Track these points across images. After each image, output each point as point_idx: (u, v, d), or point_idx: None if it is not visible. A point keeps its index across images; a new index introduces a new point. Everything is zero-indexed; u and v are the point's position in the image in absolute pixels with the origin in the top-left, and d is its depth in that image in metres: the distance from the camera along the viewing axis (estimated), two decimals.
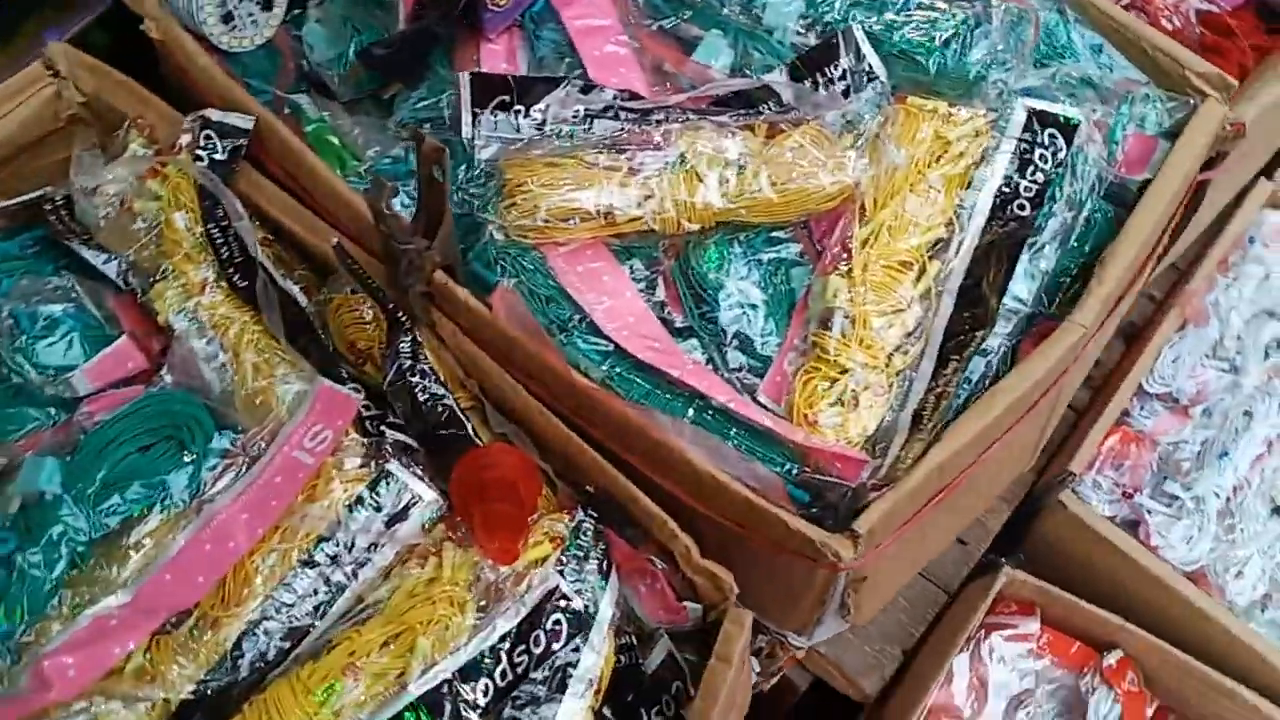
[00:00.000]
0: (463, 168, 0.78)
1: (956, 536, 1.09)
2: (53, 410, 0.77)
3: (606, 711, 0.73)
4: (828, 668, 1.06)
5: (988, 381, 0.77)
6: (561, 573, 0.72)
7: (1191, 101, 0.84)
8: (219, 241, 0.79)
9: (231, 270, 0.80)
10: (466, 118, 0.79)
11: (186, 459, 0.73)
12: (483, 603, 0.71)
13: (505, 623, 0.70)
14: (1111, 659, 1.08)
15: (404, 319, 0.76)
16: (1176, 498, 1.10)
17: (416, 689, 0.68)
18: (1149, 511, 1.10)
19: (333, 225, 0.82)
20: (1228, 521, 1.09)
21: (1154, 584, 1.07)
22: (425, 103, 0.85)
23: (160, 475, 0.72)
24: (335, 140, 0.86)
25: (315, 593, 0.72)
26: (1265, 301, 1.19)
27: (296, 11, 0.92)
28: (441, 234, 0.73)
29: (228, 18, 0.88)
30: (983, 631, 1.09)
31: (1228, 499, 1.10)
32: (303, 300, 0.80)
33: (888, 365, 0.75)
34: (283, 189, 0.84)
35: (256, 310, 0.79)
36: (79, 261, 0.81)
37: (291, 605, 0.71)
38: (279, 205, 0.83)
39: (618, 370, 0.75)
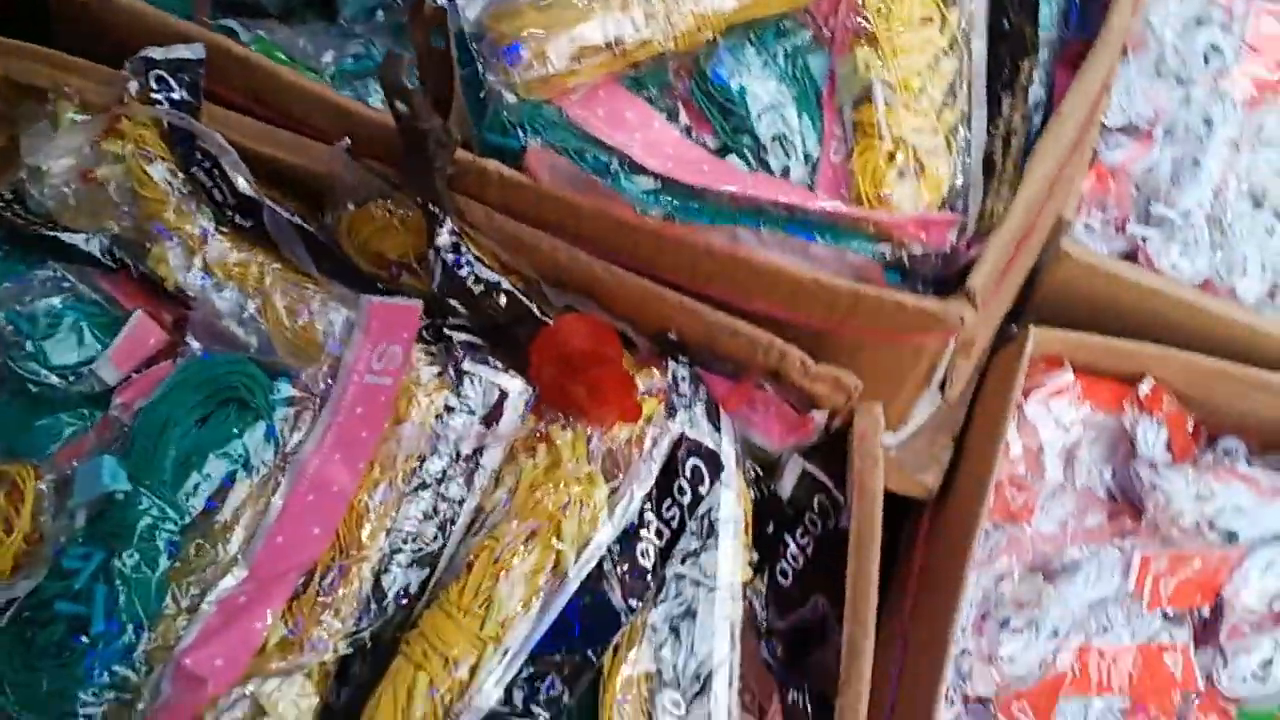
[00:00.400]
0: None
1: None
2: (85, 411, 0.70)
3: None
4: (889, 473, 1.05)
5: (1043, 109, 0.76)
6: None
7: None
8: (207, 185, 0.72)
9: (230, 212, 0.72)
10: None
11: (252, 418, 0.67)
12: (613, 472, 0.68)
13: (643, 484, 0.67)
14: (1145, 388, 1.10)
15: (437, 211, 0.70)
16: (1165, 218, 1.12)
17: (577, 575, 0.65)
18: (1143, 239, 1.11)
19: (317, 139, 0.75)
20: (1219, 227, 1.11)
21: (1167, 302, 1.08)
22: None
23: (231, 440, 0.66)
24: (282, 54, 0.79)
25: (435, 512, 0.67)
26: (1190, 10, 1.20)
27: None
28: (455, 107, 0.68)
29: None
30: (1023, 396, 1.10)
31: (1211, 205, 1.12)
32: (306, 225, 0.74)
33: (940, 122, 0.72)
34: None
35: (271, 246, 0.73)
36: (55, 248, 0.73)
37: (415, 532, 0.66)
38: (252, 135, 0.76)
39: (675, 202, 0.71)
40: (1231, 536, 1.06)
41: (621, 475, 0.67)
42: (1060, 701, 1.01)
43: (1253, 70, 1.17)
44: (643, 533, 0.66)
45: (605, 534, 0.65)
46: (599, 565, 0.65)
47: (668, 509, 0.67)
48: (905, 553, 1.20)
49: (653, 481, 0.67)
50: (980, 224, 0.70)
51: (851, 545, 0.67)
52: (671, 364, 0.71)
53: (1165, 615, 1.05)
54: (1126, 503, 1.11)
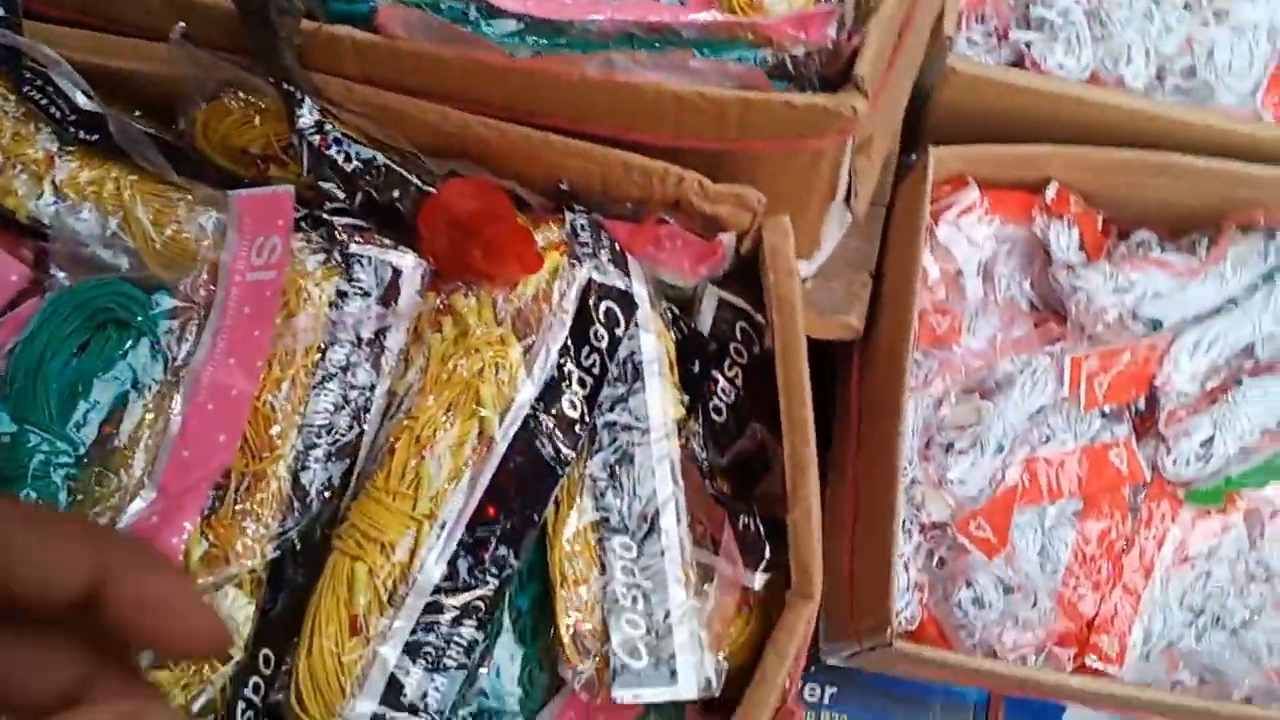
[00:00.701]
0: None
1: None
2: None
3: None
4: (811, 322, 1.03)
5: None
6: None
7: None
8: (43, 103, 0.67)
9: (74, 129, 0.67)
10: None
11: (135, 336, 0.63)
12: (525, 331, 0.65)
13: (557, 336, 0.64)
14: (1051, 192, 1.09)
15: (294, 91, 0.66)
16: (1045, 19, 1.10)
17: (504, 438, 0.62)
18: (1026, 44, 1.10)
19: (154, 40, 0.70)
20: (1098, 19, 1.10)
21: (1059, 101, 1.06)
22: None
23: (115, 363, 0.62)
24: None
25: (346, 402, 0.64)
26: None
27: None
28: None
29: None
30: (932, 221, 1.08)
31: None
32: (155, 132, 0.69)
33: None
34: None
35: (125, 158, 0.68)
36: None
37: (328, 424, 0.63)
38: (84, 47, 0.70)
39: (541, 40, 0.67)
40: (1155, 324, 1.06)
41: (534, 332, 0.65)
42: (1015, 514, 1.01)
43: None
44: (565, 385, 0.63)
45: (527, 392, 0.63)
46: (526, 425, 0.62)
47: (586, 356, 0.64)
48: (843, 396, 1.19)
49: (566, 332, 0.64)
50: (858, 13, 0.68)
51: (778, 359, 0.65)
52: (568, 214, 0.68)
53: (1104, 414, 1.05)
54: (1050, 309, 1.11)
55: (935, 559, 1.04)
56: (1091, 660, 1.02)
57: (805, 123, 0.64)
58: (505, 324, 0.65)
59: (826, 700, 1.10)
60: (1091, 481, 1.03)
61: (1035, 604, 1.01)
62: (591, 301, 0.65)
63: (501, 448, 0.61)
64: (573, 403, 0.63)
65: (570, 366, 0.63)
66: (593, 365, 0.64)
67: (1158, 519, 1.04)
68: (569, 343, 0.64)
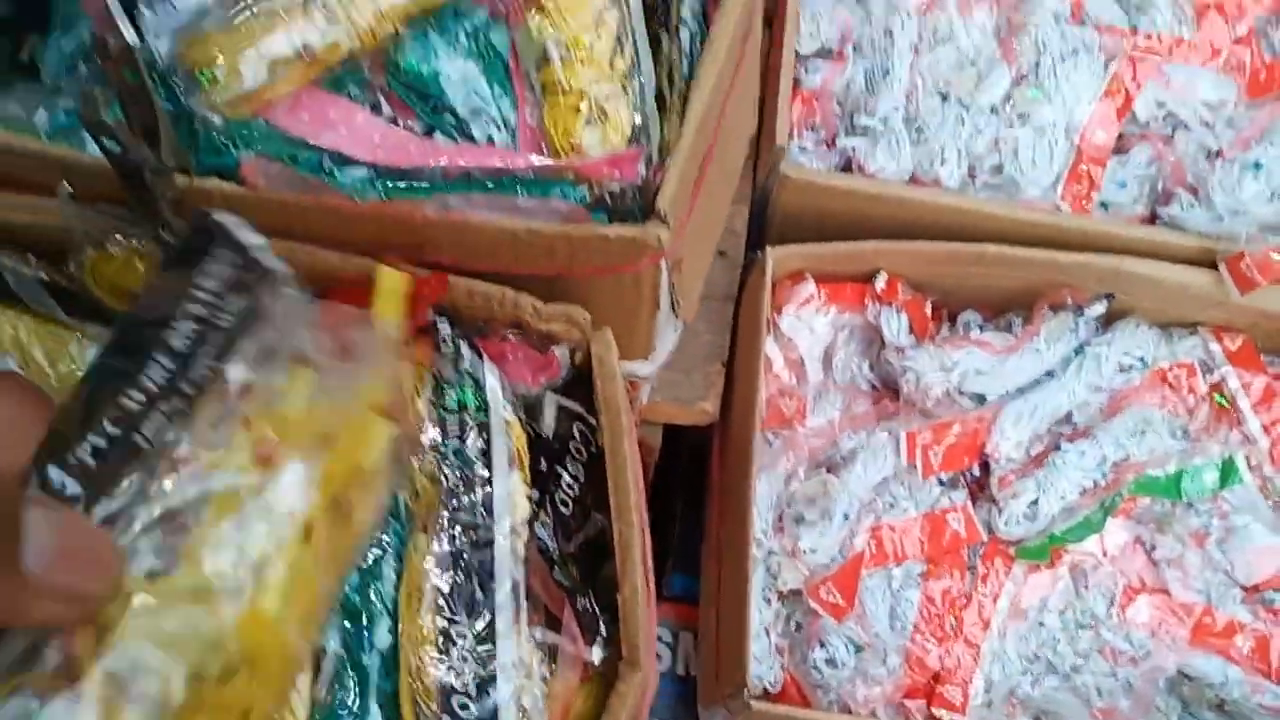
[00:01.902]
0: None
1: (716, 249, 1.18)
2: None
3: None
4: (671, 410, 1.13)
5: (699, 39, 0.84)
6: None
7: None
8: None
9: None
10: (124, 23, 0.76)
11: None
12: None
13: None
14: (880, 282, 1.21)
15: (169, 237, 0.74)
16: (867, 126, 1.23)
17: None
18: (852, 149, 1.22)
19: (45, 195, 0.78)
20: (915, 125, 1.22)
21: (884, 202, 1.19)
22: (65, 38, 0.82)
23: None
24: None
25: None
26: None
27: None
28: (164, 137, 0.72)
29: None
30: (774, 314, 1.19)
31: (905, 107, 1.23)
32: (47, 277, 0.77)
33: (613, 70, 0.80)
34: None
35: (19, 303, 0.76)
36: None
37: None
38: None
39: (388, 184, 0.77)
40: (979, 398, 1.17)
41: None
42: (865, 578, 1.11)
43: None
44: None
45: None
46: None
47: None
48: (708, 475, 1.29)
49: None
50: (662, 151, 0.78)
51: (607, 453, 0.74)
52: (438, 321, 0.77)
53: (941, 481, 1.16)
54: (886, 388, 1.22)
55: (793, 624, 1.13)
56: (938, 710, 1.11)
57: (620, 252, 0.74)
58: None
59: None
60: (933, 544, 1.13)
61: (885, 660, 1.10)
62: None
63: None
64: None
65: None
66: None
67: (994, 576, 1.14)
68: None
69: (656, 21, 0.81)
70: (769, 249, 1.15)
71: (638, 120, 0.79)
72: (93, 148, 0.80)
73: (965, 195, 1.20)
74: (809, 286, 1.20)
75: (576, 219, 0.76)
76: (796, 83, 1.25)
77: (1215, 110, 1.24)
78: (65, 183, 0.74)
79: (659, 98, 0.80)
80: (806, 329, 1.21)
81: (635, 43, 0.81)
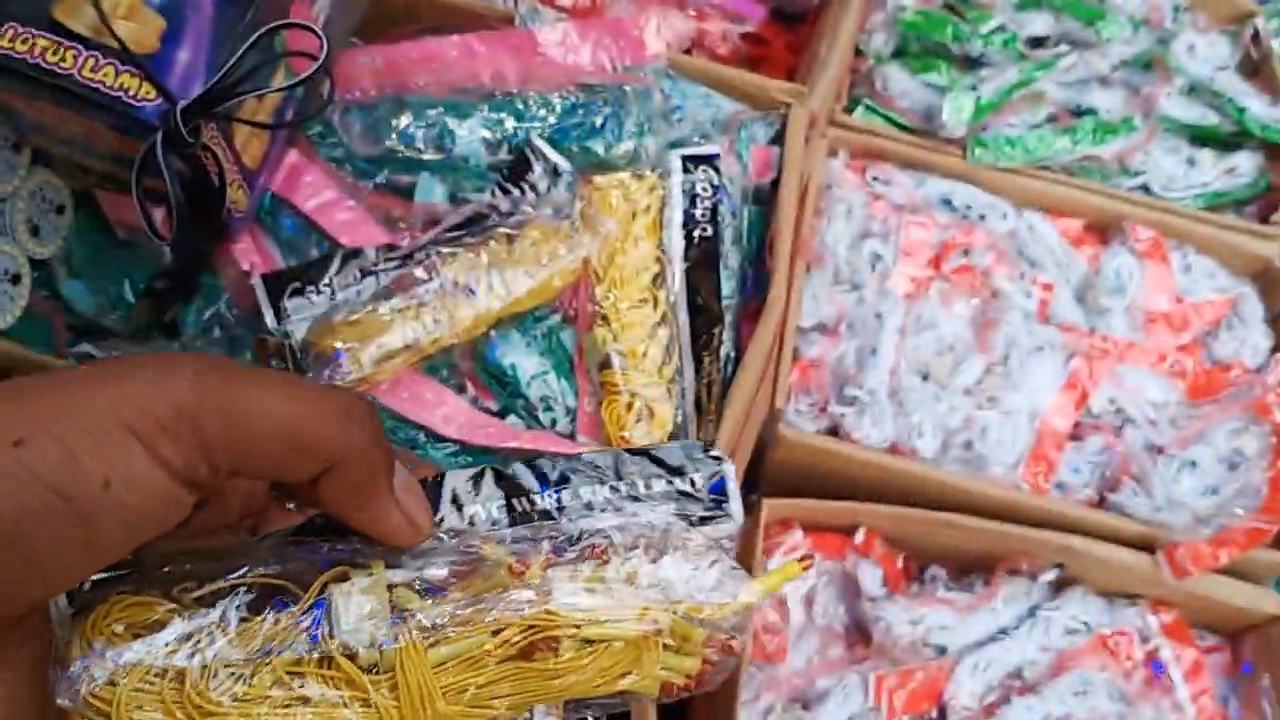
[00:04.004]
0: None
1: None
2: None
3: None
4: None
5: (733, 360, 1.01)
6: None
7: (781, 112, 1.12)
8: None
9: None
10: (269, 312, 0.92)
11: None
12: None
13: None
14: (860, 536, 1.36)
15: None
16: (855, 397, 1.39)
17: None
18: (841, 415, 1.39)
19: None
20: (898, 399, 1.39)
21: (865, 466, 1.35)
22: (208, 312, 0.98)
23: None
24: None
25: None
26: (855, 228, 1.50)
27: (36, 274, 1.00)
28: None
29: None
30: (764, 557, 1.34)
31: (889, 383, 1.40)
32: None
33: (661, 377, 0.96)
34: None
35: None
36: None
37: None
38: None
39: (471, 460, 0.92)
40: (941, 649, 1.31)
41: None
42: None
43: (908, 270, 1.48)
44: None
45: None
46: None
47: None
48: (688, 705, 1.41)
49: None
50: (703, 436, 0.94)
51: None
52: None
53: None
54: (860, 633, 1.36)
55: None
56: None
57: None
58: None
59: None
60: None
61: None
62: None
63: None
64: None
65: None
66: None
67: None
68: None
69: (700, 343, 0.98)
70: (765, 501, 1.30)
71: (679, 420, 0.95)
72: None
73: (938, 467, 1.36)
74: (796, 534, 1.35)
75: None
76: (796, 352, 1.43)
77: (1159, 409, 1.42)
78: None
79: (698, 403, 0.97)
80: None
81: (680, 356, 0.98)
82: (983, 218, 1.55)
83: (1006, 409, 1.40)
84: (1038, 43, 1.68)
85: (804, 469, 1.38)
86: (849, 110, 1.58)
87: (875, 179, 1.55)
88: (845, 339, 1.44)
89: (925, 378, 1.42)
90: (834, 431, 1.39)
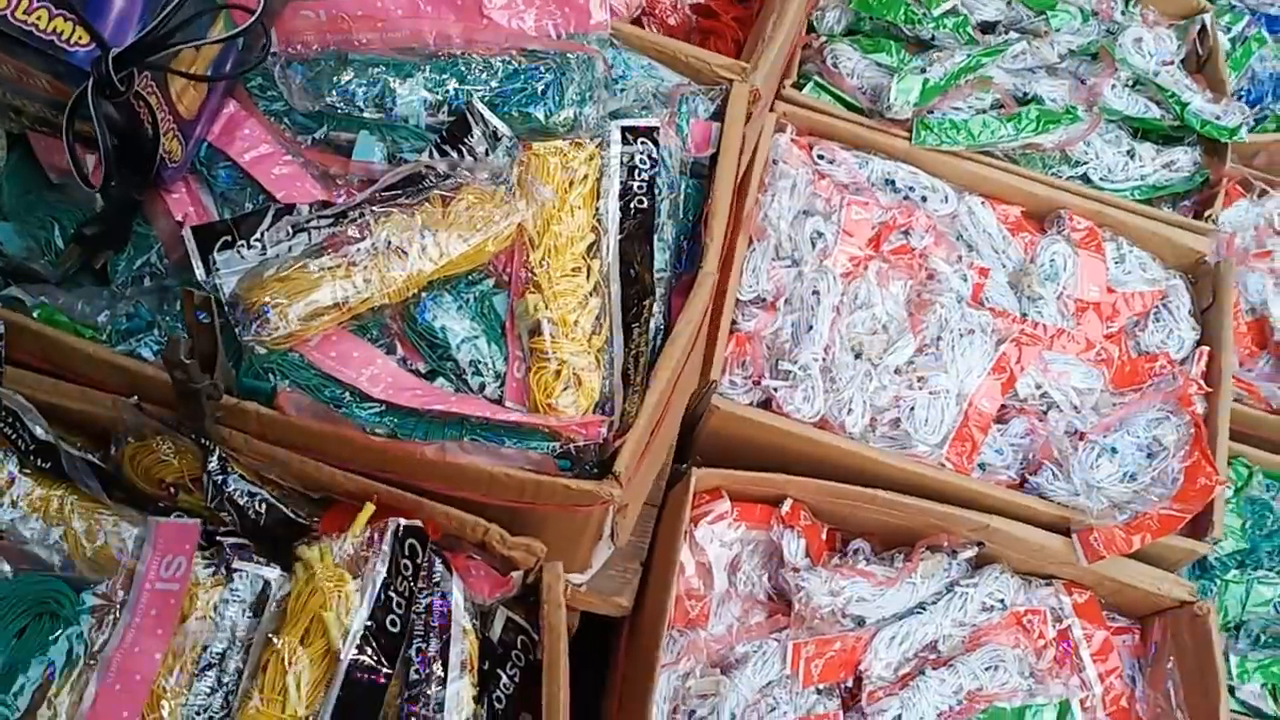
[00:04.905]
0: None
1: None
2: None
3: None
4: (590, 599, 1.28)
5: (662, 332, 1.02)
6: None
7: (723, 87, 1.12)
8: (11, 435, 0.89)
9: (33, 457, 0.89)
10: (199, 264, 0.92)
11: (64, 625, 0.83)
12: (353, 569, 0.87)
13: (378, 571, 0.86)
14: (785, 507, 1.38)
15: (207, 443, 0.89)
16: (789, 371, 1.41)
17: (348, 653, 0.83)
18: (774, 389, 1.40)
19: (100, 389, 0.93)
20: (830, 375, 1.41)
21: (795, 440, 1.37)
22: (139, 261, 0.97)
23: (47, 647, 0.82)
24: (64, 318, 0.96)
25: (220, 685, 0.85)
26: (799, 204, 1.52)
27: None
28: (219, 365, 0.87)
29: None
30: (691, 524, 1.36)
31: (823, 359, 1.42)
32: (96, 460, 0.91)
33: (590, 346, 0.98)
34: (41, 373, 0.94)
35: (69, 482, 0.89)
36: None
37: (204, 705, 0.84)
38: (46, 389, 0.93)
39: (396, 421, 0.93)
40: (860, 620, 1.34)
41: (362, 570, 0.87)
42: None
43: (848, 249, 1.50)
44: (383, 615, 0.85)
45: (361, 617, 0.84)
46: (364, 636, 0.84)
47: (401, 585, 0.87)
48: (612, 661, 1.43)
49: (386, 568, 0.86)
50: (623, 419, 0.95)
51: (545, 669, 0.89)
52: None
53: (818, 690, 1.32)
54: (781, 601, 1.39)
55: None
56: None
57: (577, 499, 0.91)
58: (343, 564, 0.87)
59: None
60: None
61: None
62: (402, 554, 0.88)
63: (344, 665, 0.83)
64: (394, 621, 0.85)
65: (392, 594, 0.86)
66: (400, 603, 0.87)
67: None
68: (385, 579, 0.86)
69: (631, 313, 0.99)
70: (695, 470, 1.32)
71: (606, 389, 0.97)
72: (145, 351, 0.96)
73: (865, 444, 1.38)
74: (724, 504, 1.37)
75: (546, 467, 0.92)
76: (734, 324, 1.44)
77: (1084, 396, 1.45)
78: (135, 396, 0.89)
79: (625, 373, 0.98)
80: (717, 540, 1.37)
81: (611, 326, 0.99)
82: (924, 199, 1.57)
83: (935, 389, 1.42)
84: (989, 28, 1.72)
85: (735, 440, 1.40)
86: (799, 86, 1.60)
87: (821, 157, 1.56)
88: (782, 314, 1.45)
89: (858, 355, 1.44)
90: (766, 404, 1.40)
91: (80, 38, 0.86)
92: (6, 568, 0.86)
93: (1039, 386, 1.45)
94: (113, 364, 0.92)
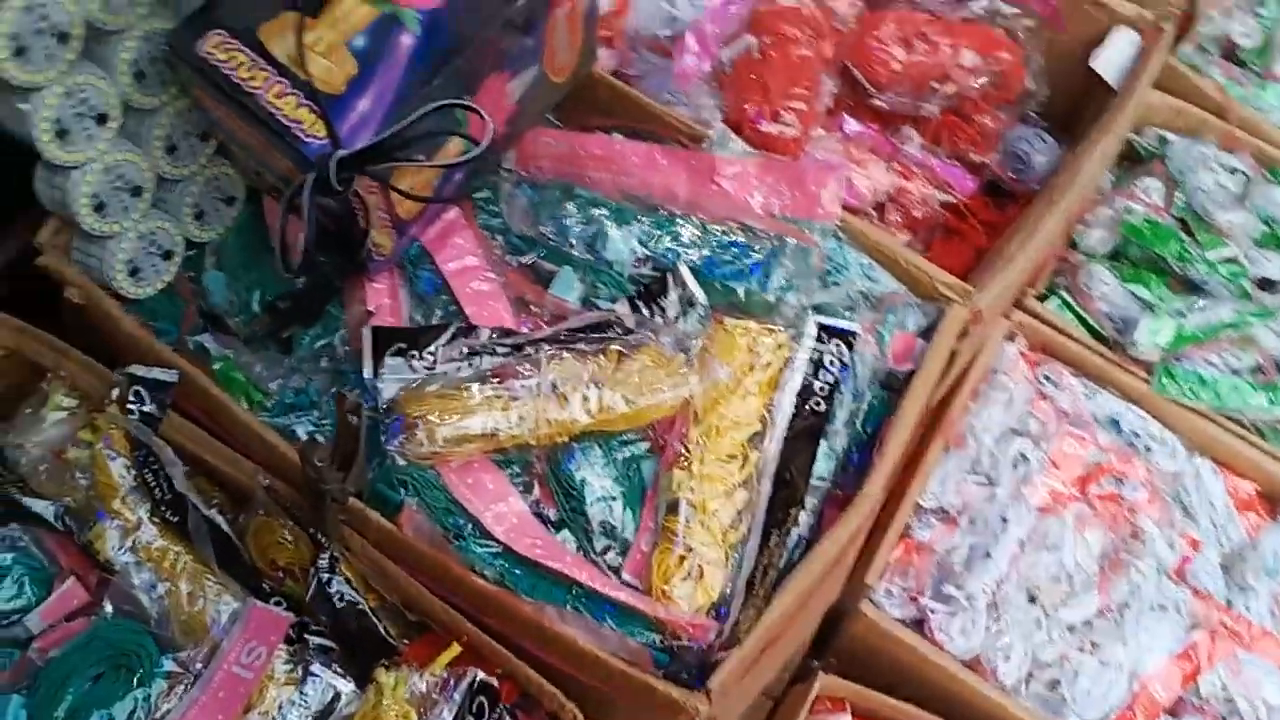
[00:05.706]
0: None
1: None
2: (8, 650, 0.86)
3: None
4: None
5: (804, 545, 0.97)
6: None
7: (940, 306, 1.07)
8: (150, 483, 0.92)
9: (164, 508, 0.92)
10: (369, 364, 0.94)
11: (136, 684, 0.84)
12: (421, 709, 0.85)
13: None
14: None
15: (323, 539, 0.90)
16: (952, 596, 1.32)
17: None
18: (931, 611, 1.31)
19: (247, 456, 0.95)
20: (994, 613, 1.31)
21: (939, 672, 1.28)
22: (321, 341, 1.01)
23: (114, 702, 0.84)
24: (241, 376, 0.99)
25: None
26: (1010, 421, 1.43)
27: (189, 253, 1.05)
28: (355, 467, 0.88)
29: (135, 271, 1.00)
30: None
31: (993, 593, 1.33)
32: (223, 524, 0.93)
33: (723, 541, 0.93)
34: (199, 425, 0.97)
35: (189, 541, 0.92)
36: (18, 509, 0.91)
37: None
38: (200, 443, 0.97)
39: (507, 566, 0.91)
40: None
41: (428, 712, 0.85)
42: None
43: (1050, 482, 1.40)
44: None
45: None
46: None
47: None
48: None
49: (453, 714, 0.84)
50: (734, 630, 0.90)
51: None
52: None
53: None
54: None
55: None
56: None
57: (661, 703, 0.86)
58: (414, 700, 0.85)
59: None
60: None
61: None
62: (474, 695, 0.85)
63: None
64: None
65: None
66: None
67: None
68: None
69: (774, 518, 0.94)
70: (821, 675, 1.25)
71: (727, 591, 0.92)
72: (299, 429, 0.98)
73: (1014, 698, 1.27)
74: (845, 718, 1.29)
75: (640, 659, 0.88)
76: (907, 529, 1.36)
77: (1273, 713, 1.29)
78: (265, 480, 0.91)
79: (750, 582, 0.93)
80: None
81: (751, 525, 0.94)
82: (1148, 449, 1.45)
83: (1107, 659, 1.30)
84: (1267, 285, 1.58)
85: (873, 653, 1.32)
86: (1042, 298, 1.51)
87: (1046, 377, 1.47)
88: (964, 532, 1.36)
89: (1032, 599, 1.34)
90: (919, 623, 1.32)
91: (318, 130, 0.89)
92: (109, 608, 0.88)
93: (1225, 688, 1.30)
94: (263, 438, 0.94)
